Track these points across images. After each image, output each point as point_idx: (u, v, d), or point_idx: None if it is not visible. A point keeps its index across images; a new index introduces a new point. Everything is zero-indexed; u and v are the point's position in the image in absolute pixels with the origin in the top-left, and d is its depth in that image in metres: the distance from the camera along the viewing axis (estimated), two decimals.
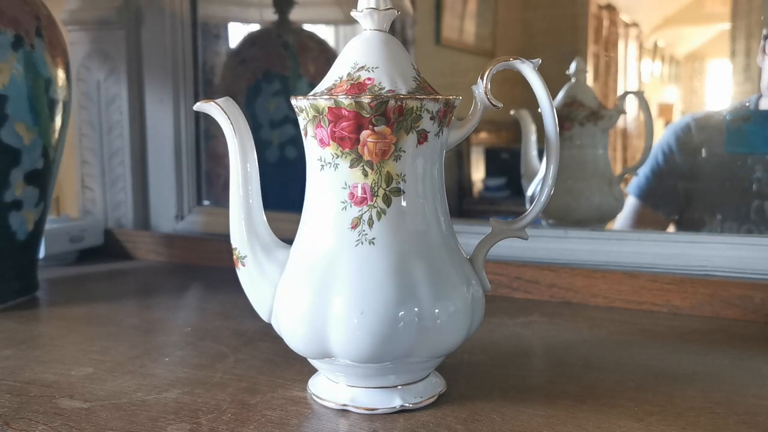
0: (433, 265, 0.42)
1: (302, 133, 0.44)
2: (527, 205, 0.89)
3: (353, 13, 0.44)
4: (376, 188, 0.41)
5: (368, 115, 0.40)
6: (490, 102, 0.44)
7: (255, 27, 1.06)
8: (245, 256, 0.45)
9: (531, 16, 0.97)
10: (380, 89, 0.41)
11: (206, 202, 0.98)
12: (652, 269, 0.71)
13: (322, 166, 0.42)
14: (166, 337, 0.62)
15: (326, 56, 1.00)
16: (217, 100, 0.44)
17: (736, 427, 0.43)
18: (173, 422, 0.43)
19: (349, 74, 0.42)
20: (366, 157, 0.41)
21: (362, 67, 0.42)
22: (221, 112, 0.44)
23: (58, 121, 0.71)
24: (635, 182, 0.88)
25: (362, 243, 0.41)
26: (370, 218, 0.42)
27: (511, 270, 0.73)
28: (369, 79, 0.42)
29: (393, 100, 0.40)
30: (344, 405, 0.44)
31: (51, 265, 0.87)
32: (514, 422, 0.43)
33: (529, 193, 0.89)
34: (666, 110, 0.90)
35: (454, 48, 1.01)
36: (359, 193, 0.42)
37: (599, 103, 0.87)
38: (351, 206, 0.42)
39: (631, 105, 0.89)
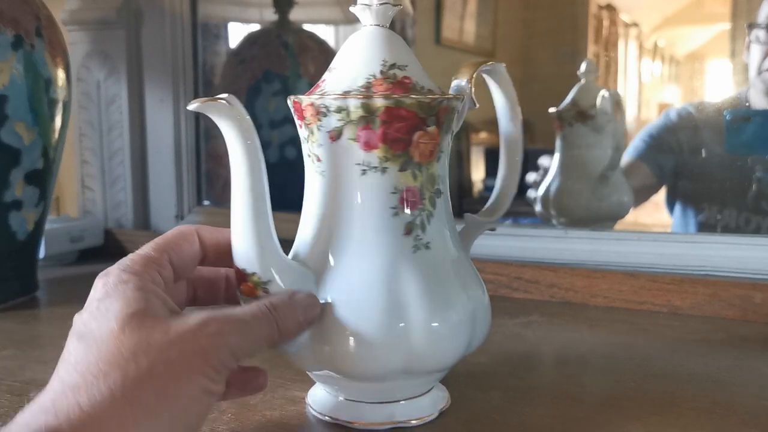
0: (462, 267, 0.42)
1: (327, 136, 0.39)
2: (535, 206, 0.89)
3: (360, 7, 0.42)
4: (423, 191, 0.40)
5: (424, 116, 0.39)
6: (474, 102, 0.42)
7: (255, 27, 1.06)
8: (268, 281, 0.37)
9: (531, 16, 0.97)
10: (421, 88, 0.40)
11: (206, 202, 0.98)
12: (652, 269, 0.71)
13: (364, 170, 0.39)
14: None
15: (326, 56, 1.00)
16: (222, 97, 0.36)
17: (736, 427, 0.43)
18: None
19: (382, 72, 0.40)
20: (416, 159, 0.39)
21: (393, 65, 0.40)
22: (227, 111, 0.36)
23: (58, 121, 0.71)
24: (632, 145, 0.88)
25: (419, 248, 0.40)
26: (422, 222, 0.40)
27: (511, 270, 0.73)
28: (406, 77, 0.40)
29: (446, 100, 0.39)
30: (344, 421, 0.42)
31: (51, 265, 0.87)
32: (514, 422, 0.43)
33: (539, 193, 0.89)
34: (650, 124, 0.90)
35: (454, 48, 1.01)
36: (411, 197, 0.40)
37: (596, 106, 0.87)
38: (403, 211, 0.40)
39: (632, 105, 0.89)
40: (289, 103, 0.41)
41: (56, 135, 0.71)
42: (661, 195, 0.89)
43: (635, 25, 0.93)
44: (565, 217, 0.87)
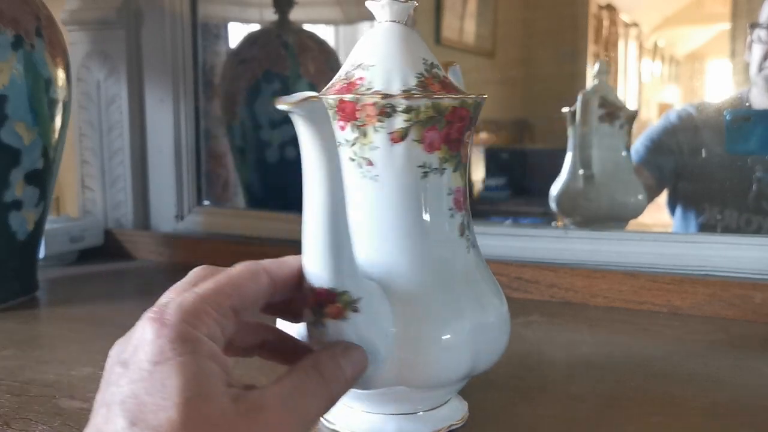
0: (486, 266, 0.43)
1: (389, 138, 0.37)
2: (552, 205, 0.89)
3: (378, 4, 0.40)
4: (466, 190, 0.40)
5: (474, 116, 0.38)
6: None
7: (255, 27, 1.06)
8: (359, 299, 0.33)
9: (531, 16, 0.97)
10: (457, 87, 0.40)
11: (206, 202, 0.98)
12: (652, 269, 0.71)
13: (426, 172, 0.38)
14: None
15: (326, 56, 1.00)
16: (315, 95, 0.31)
17: (736, 427, 0.43)
18: None
19: (427, 71, 0.39)
20: (463, 159, 0.39)
21: (432, 64, 0.40)
22: (322, 112, 0.31)
23: (58, 121, 0.71)
24: (633, 149, 0.89)
25: (470, 249, 0.40)
26: (469, 222, 0.40)
27: (511, 270, 0.73)
28: (445, 77, 0.40)
29: (483, 99, 0.39)
30: None
31: (51, 265, 0.87)
32: (514, 422, 0.43)
33: (554, 192, 0.90)
34: (666, 110, 0.90)
35: (454, 48, 1.01)
36: (461, 197, 0.39)
37: (622, 103, 0.87)
38: (456, 213, 0.39)
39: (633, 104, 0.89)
40: (329, 102, 0.37)
41: (56, 135, 0.71)
42: (663, 196, 0.89)
43: (635, 25, 0.93)
44: (578, 216, 0.88)
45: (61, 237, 0.87)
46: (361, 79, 0.38)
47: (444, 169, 0.38)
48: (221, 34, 1.07)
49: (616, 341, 0.60)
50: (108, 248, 0.94)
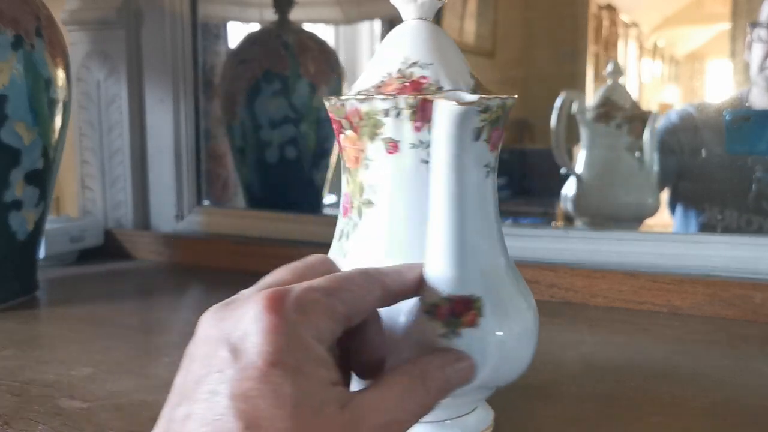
0: None
1: (472, 136, 0.35)
2: (563, 203, 0.90)
3: (410, 1, 0.39)
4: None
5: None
6: None
7: (255, 27, 1.06)
8: (486, 304, 0.33)
9: (531, 16, 0.97)
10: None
11: (206, 202, 0.98)
12: (652, 269, 0.71)
13: (488, 172, 0.37)
14: (166, 337, 0.62)
15: (326, 56, 1.00)
16: (476, 97, 0.31)
17: (736, 427, 0.43)
18: None
19: (472, 71, 0.39)
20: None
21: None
22: (469, 114, 0.30)
23: (58, 121, 0.71)
24: None
25: (506, 251, 0.40)
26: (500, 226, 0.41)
27: None
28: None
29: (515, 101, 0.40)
30: None
31: (51, 265, 0.87)
32: (513, 422, 0.43)
33: (566, 193, 0.90)
34: (666, 110, 0.91)
35: None
36: (497, 200, 0.39)
37: (634, 105, 0.88)
38: (498, 215, 0.39)
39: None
40: (409, 102, 0.35)
41: (56, 135, 0.71)
42: (663, 196, 0.89)
43: (635, 25, 0.93)
44: (590, 216, 0.88)
45: (61, 237, 0.87)
46: (424, 78, 0.37)
47: (495, 167, 0.38)
48: (221, 34, 1.07)
49: (616, 341, 0.60)
50: (108, 248, 0.94)
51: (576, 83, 0.91)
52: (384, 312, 0.33)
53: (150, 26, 0.94)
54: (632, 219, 0.87)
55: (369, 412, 0.29)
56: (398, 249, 0.37)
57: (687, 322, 0.65)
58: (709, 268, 0.69)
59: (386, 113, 0.36)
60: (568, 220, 0.91)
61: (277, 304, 0.28)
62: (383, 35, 1.05)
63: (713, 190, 0.83)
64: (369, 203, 0.37)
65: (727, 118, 0.79)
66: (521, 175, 0.98)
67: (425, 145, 0.36)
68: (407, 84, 0.37)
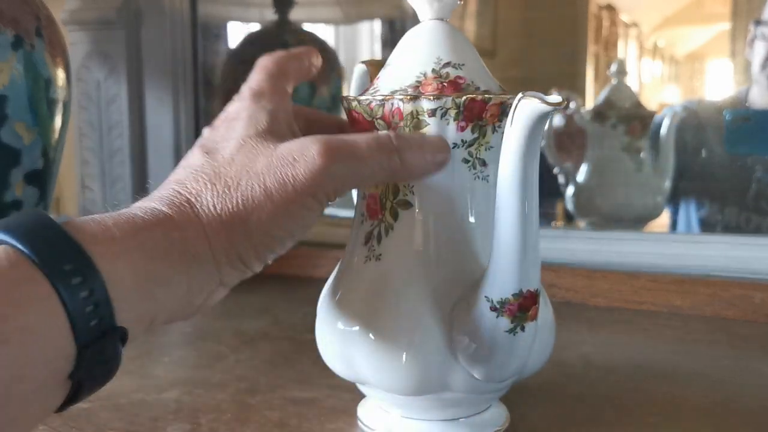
0: None
1: (502, 137, 0.34)
2: (568, 205, 0.90)
3: (430, 2, 0.39)
4: None
5: None
6: None
7: (255, 27, 1.06)
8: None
9: (531, 16, 0.97)
10: None
11: None
12: (653, 269, 0.71)
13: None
14: (166, 337, 0.62)
15: (326, 56, 1.00)
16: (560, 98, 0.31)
17: (736, 427, 0.43)
18: (173, 422, 0.43)
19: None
20: None
21: None
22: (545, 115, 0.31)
23: (58, 121, 0.71)
24: None
25: None
26: None
27: None
28: None
29: None
30: None
31: None
32: (513, 421, 0.43)
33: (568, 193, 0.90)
34: (665, 110, 0.91)
35: None
36: None
37: (636, 105, 0.88)
38: None
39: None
40: (457, 102, 0.35)
41: (56, 135, 0.71)
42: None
43: (635, 25, 0.93)
44: (594, 217, 0.88)
45: None
46: (461, 78, 0.37)
47: None
48: (221, 34, 1.07)
49: (616, 341, 0.60)
50: None
51: (576, 83, 0.91)
52: (443, 310, 0.35)
53: (150, 26, 0.94)
54: (632, 220, 0.87)
55: (309, 151, 0.32)
56: (442, 248, 0.37)
57: (687, 322, 0.65)
58: (709, 268, 0.69)
59: (432, 113, 0.35)
60: (569, 219, 0.91)
61: (239, 96, 0.39)
62: (383, 35, 1.05)
63: (715, 188, 0.82)
64: (406, 204, 0.37)
65: (727, 118, 0.79)
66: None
67: (466, 144, 0.36)
68: (446, 84, 0.37)
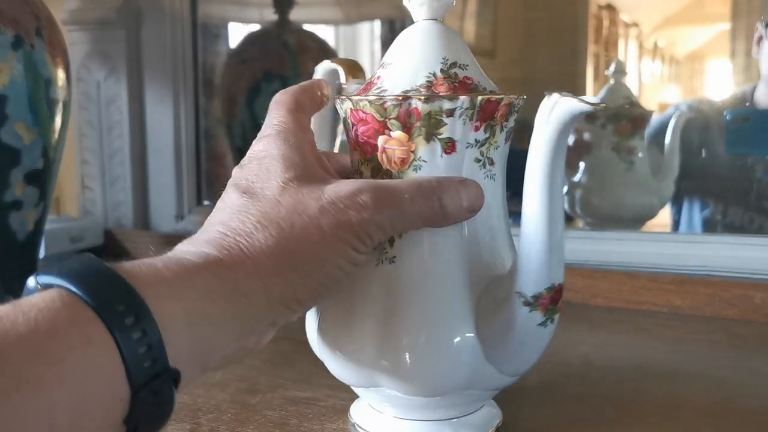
0: None
1: (506, 137, 0.38)
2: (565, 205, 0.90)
3: (425, 2, 0.39)
4: None
5: None
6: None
7: (255, 27, 1.06)
8: None
9: (531, 16, 0.97)
10: None
11: (206, 202, 0.98)
12: (652, 269, 0.71)
13: None
14: None
15: (326, 56, 1.00)
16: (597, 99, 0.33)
17: (736, 427, 0.43)
18: (173, 422, 0.43)
19: None
20: None
21: None
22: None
23: (58, 121, 0.71)
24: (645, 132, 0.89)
25: None
26: None
27: None
28: None
29: None
30: None
31: None
32: (513, 422, 0.43)
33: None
34: (666, 110, 0.90)
35: None
36: None
37: (633, 104, 0.88)
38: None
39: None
40: (476, 103, 0.36)
41: (56, 135, 0.71)
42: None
43: (635, 25, 0.93)
44: (591, 217, 0.88)
45: (61, 237, 0.87)
46: (469, 79, 0.38)
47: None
48: (221, 34, 1.07)
49: (616, 341, 0.60)
50: (108, 248, 0.94)
51: (576, 83, 0.91)
52: (465, 308, 0.36)
53: (150, 26, 0.94)
54: (625, 220, 0.87)
55: (360, 196, 0.33)
56: (457, 248, 0.37)
57: (687, 322, 0.65)
58: (709, 268, 0.69)
59: (450, 114, 0.35)
60: (568, 219, 0.91)
61: (264, 133, 0.38)
62: (383, 35, 1.05)
63: (718, 187, 0.82)
64: None
65: (727, 118, 0.79)
66: (521, 175, 0.98)
67: (479, 144, 0.37)
68: (457, 85, 0.37)
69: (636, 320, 0.65)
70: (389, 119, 0.36)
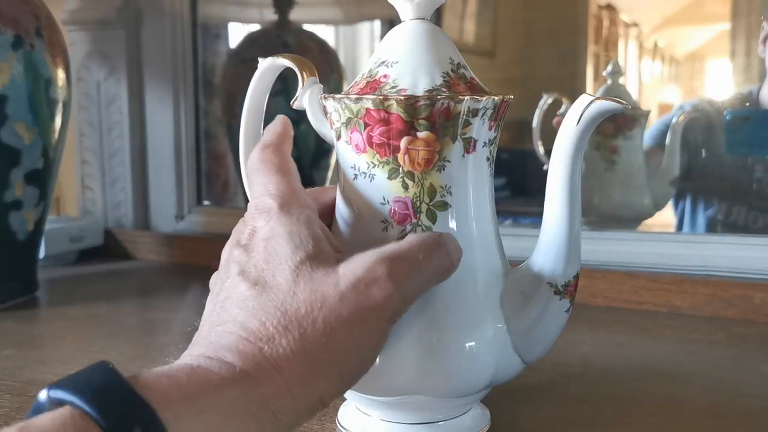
0: None
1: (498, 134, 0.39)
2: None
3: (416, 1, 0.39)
4: None
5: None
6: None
7: (255, 27, 1.06)
8: None
9: (531, 16, 0.97)
10: None
11: (206, 202, 0.98)
12: (652, 269, 0.71)
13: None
14: (166, 337, 0.62)
15: (326, 56, 1.00)
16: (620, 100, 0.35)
17: (736, 427, 0.43)
18: None
19: None
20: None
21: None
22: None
23: (58, 121, 0.71)
24: (648, 134, 0.88)
25: None
26: None
27: None
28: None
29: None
30: None
31: (51, 265, 0.87)
32: (513, 422, 0.43)
33: None
34: (666, 110, 0.90)
35: None
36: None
37: (635, 105, 0.87)
38: None
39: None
40: (495, 102, 0.36)
41: (56, 135, 0.71)
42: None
43: (635, 25, 0.93)
44: (589, 216, 0.88)
45: (61, 237, 0.87)
46: (474, 79, 0.38)
47: None
48: (221, 34, 1.07)
49: (616, 341, 0.60)
50: (108, 248, 0.94)
51: (576, 83, 0.91)
52: (492, 303, 0.37)
53: (150, 26, 0.94)
54: (613, 220, 0.87)
55: (377, 273, 0.31)
56: (477, 245, 0.38)
57: (687, 322, 0.65)
58: (709, 268, 0.69)
59: (476, 113, 0.36)
60: None
61: (265, 207, 0.34)
62: (383, 35, 1.05)
63: (721, 186, 0.82)
64: (444, 205, 0.37)
65: (727, 118, 0.79)
66: (521, 175, 0.97)
67: (490, 143, 0.38)
68: (468, 84, 0.37)
69: (636, 320, 0.65)
70: (418, 119, 0.35)
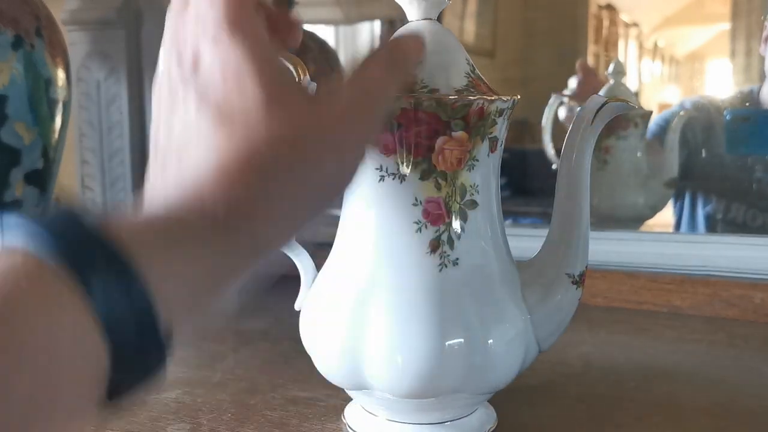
0: None
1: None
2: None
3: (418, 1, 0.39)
4: None
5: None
6: None
7: None
8: None
9: (531, 16, 0.97)
10: None
11: None
12: (652, 269, 0.71)
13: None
14: None
15: (326, 56, 1.00)
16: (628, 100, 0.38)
17: (736, 427, 0.43)
18: (173, 422, 0.43)
19: None
20: None
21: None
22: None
23: (58, 121, 0.71)
24: (649, 130, 0.88)
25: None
26: None
27: None
28: None
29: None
30: None
31: None
32: (513, 422, 0.43)
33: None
34: (666, 110, 0.91)
35: None
36: None
37: (637, 105, 0.87)
38: None
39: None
40: (514, 102, 0.38)
41: (56, 135, 0.71)
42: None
43: (635, 25, 0.93)
44: (591, 216, 0.88)
45: None
46: (485, 80, 0.39)
47: None
48: None
49: (616, 341, 0.60)
50: None
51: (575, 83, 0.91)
52: (517, 296, 0.39)
53: (150, 26, 0.94)
54: (628, 220, 0.86)
55: (358, 106, 0.29)
56: (501, 240, 0.39)
57: (687, 322, 0.65)
58: (709, 268, 0.69)
59: (501, 113, 0.37)
60: None
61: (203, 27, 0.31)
62: (383, 35, 1.05)
63: (721, 183, 0.82)
64: (473, 204, 0.37)
65: (727, 118, 0.79)
66: (521, 175, 0.97)
67: (503, 142, 0.39)
68: (485, 85, 0.38)
69: (636, 320, 0.65)
70: (454, 119, 0.35)
